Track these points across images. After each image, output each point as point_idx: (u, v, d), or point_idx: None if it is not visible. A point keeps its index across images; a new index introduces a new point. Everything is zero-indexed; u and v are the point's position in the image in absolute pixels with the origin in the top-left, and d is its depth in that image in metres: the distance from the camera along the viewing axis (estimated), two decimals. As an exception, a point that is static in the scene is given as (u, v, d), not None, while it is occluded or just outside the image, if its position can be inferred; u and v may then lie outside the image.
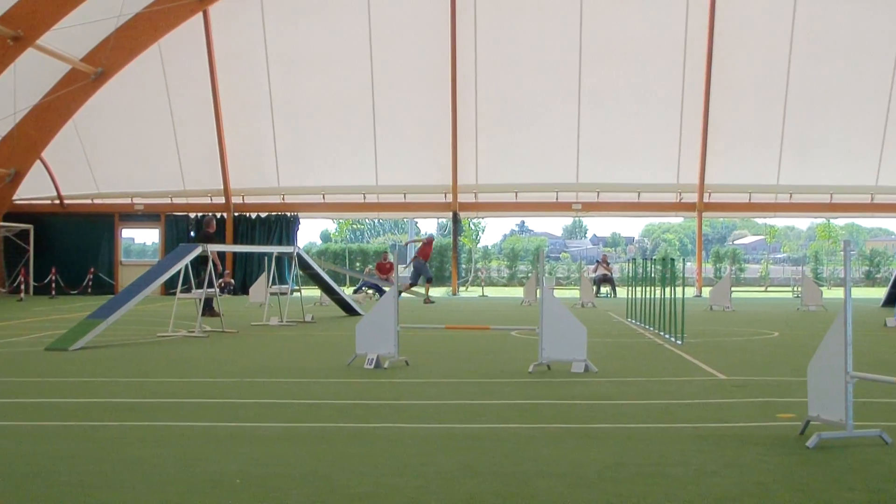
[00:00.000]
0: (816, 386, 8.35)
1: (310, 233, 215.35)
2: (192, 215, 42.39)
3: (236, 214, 42.75)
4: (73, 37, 35.37)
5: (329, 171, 42.06)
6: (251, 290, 31.61)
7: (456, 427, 8.94)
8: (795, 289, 42.42)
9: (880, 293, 37.50)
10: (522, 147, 41.49)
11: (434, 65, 40.56)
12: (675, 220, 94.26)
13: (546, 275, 15.07)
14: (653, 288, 20.91)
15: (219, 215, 41.06)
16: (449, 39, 40.01)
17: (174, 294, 20.82)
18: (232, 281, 40.75)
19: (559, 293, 39.49)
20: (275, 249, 26.23)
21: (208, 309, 22.76)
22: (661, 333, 19.02)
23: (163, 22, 38.63)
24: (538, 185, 42.09)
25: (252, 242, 41.45)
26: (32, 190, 41.82)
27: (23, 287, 37.78)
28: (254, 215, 43.06)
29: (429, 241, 36.11)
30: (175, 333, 19.46)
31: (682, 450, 7.74)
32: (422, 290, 34.93)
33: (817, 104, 40.88)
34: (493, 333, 19.38)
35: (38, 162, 40.70)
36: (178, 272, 19.82)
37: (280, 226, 42.77)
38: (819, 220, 66.34)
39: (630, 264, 29.12)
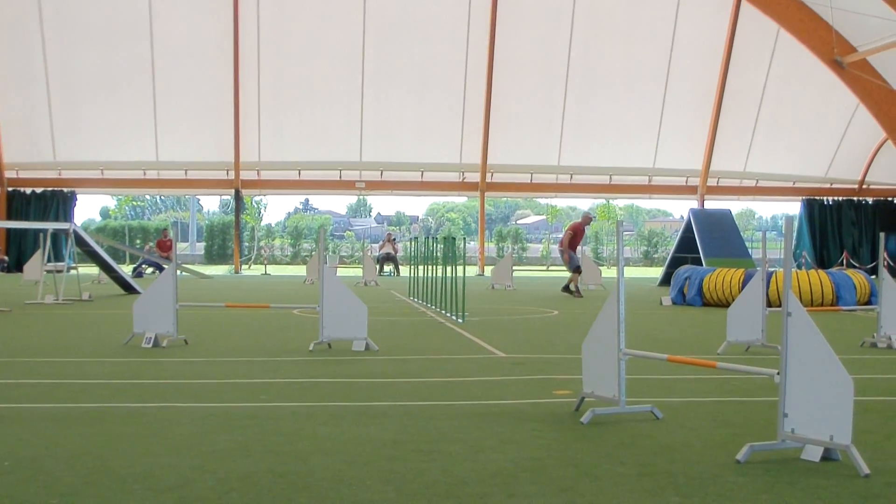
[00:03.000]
0: (590, 363, 8.50)
1: (89, 209, 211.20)
2: (-37, 190, 41.08)
3: (10, 189, 41.57)
4: None
5: (108, 146, 41.20)
6: (25, 267, 30.83)
7: (233, 406, 8.85)
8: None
9: (658, 272, 38.56)
10: (306, 125, 41.38)
11: (216, 40, 40.13)
12: (459, 199, 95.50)
13: (329, 253, 15.03)
14: (435, 267, 21.06)
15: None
16: (232, 15, 39.55)
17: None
18: (5, 258, 39.66)
19: (343, 272, 39.52)
20: (50, 226, 25.59)
21: (-21, 287, 22.08)
22: (443, 312, 19.19)
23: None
24: (322, 163, 42.09)
25: (27, 219, 40.35)
26: None
27: None
28: (29, 190, 41.93)
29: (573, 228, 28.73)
30: (-57, 312, 18.85)
31: (460, 426, 7.80)
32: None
33: (597, 87, 41.85)
34: (274, 312, 19.31)
35: None
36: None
37: (56, 201, 41.76)
38: (599, 201, 67.96)
39: (413, 243, 29.27)
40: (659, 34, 41.32)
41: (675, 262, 31.76)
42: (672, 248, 36.26)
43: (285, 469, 6.29)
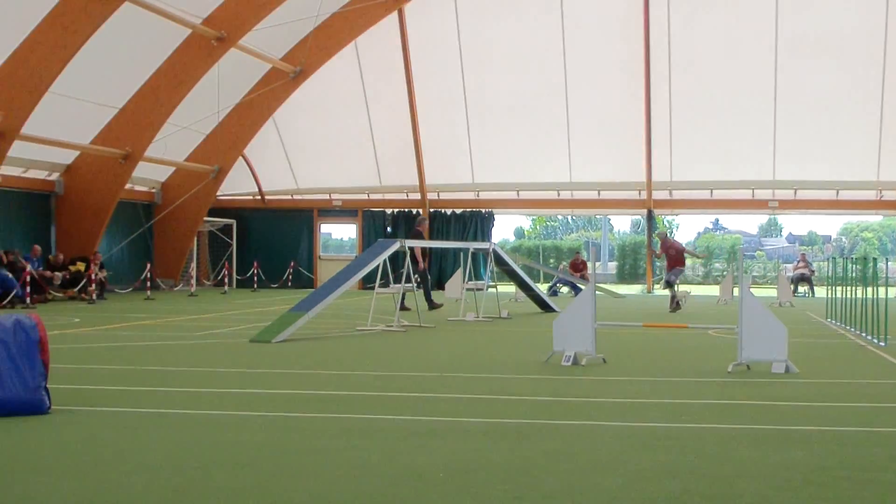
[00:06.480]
0: None
1: (503, 229, 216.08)
2: (389, 211, 43.07)
3: (431, 210, 43.15)
4: (272, 37, 36.21)
5: (523, 167, 42.03)
6: (447, 285, 31.91)
7: (655, 426, 8.91)
8: None
9: None
10: (718, 143, 40.78)
11: (627, 59, 40.19)
12: (875, 218, 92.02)
13: (743, 273, 14.89)
14: (853, 288, 20.47)
15: (414, 212, 41.50)
16: (642, 34, 39.59)
17: (372, 288, 21.15)
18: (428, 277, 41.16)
19: (755, 292, 38.89)
20: (471, 246, 26.48)
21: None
22: (863, 335, 18.61)
23: (359, 21, 39.10)
24: (734, 182, 41.47)
25: (447, 238, 41.79)
26: (235, 186, 43.08)
27: (226, 280, 38.88)
28: (449, 211, 43.41)
29: None
30: (374, 328, 19.76)
31: (892, 455, 7.56)
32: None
33: None
34: (689, 332, 19.22)
35: (240, 159, 41.69)
36: (377, 267, 20.15)
37: (475, 222, 43.08)
38: None
39: (828, 263, 28.54)
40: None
41: None
42: None
43: (713, 492, 6.29)
